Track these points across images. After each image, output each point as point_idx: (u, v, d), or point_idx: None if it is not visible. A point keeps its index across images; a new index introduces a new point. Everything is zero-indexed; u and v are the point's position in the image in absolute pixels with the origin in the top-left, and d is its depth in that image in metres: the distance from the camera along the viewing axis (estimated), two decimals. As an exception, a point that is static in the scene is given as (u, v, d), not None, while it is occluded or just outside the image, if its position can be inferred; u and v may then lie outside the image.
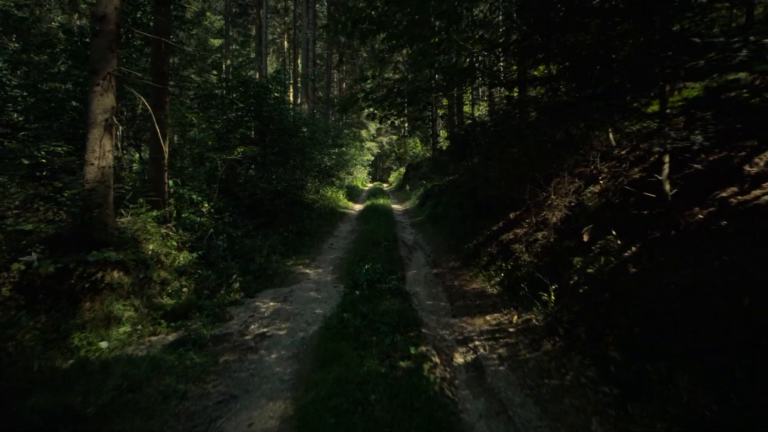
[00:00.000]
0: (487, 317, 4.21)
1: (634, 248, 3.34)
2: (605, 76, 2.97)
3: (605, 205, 4.24)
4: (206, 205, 6.85)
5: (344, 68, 33.24)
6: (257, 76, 20.94)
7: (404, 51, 22.86)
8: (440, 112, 22.94)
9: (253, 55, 27.15)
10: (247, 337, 4.05)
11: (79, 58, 6.85)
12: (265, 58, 22.88)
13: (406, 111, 9.15)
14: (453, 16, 4.74)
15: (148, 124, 6.85)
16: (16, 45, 7.52)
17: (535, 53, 3.49)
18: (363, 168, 28.28)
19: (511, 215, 6.29)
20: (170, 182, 6.43)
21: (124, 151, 8.22)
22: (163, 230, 5.63)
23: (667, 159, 3.10)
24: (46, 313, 4.08)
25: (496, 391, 2.94)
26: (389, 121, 6.60)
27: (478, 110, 18.04)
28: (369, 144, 32.58)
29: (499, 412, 2.74)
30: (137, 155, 8.05)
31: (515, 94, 7.63)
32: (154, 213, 5.65)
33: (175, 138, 10.05)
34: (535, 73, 5.03)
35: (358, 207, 15.87)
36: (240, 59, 25.43)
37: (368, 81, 6.48)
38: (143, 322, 4.44)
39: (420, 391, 2.76)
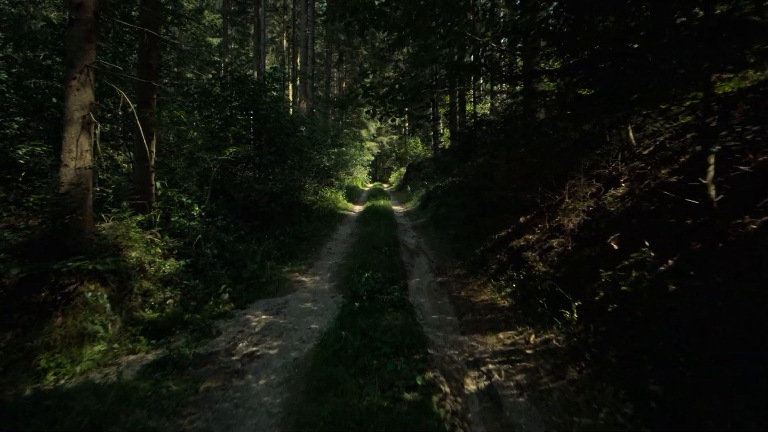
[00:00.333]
0: (500, 335, 3.81)
1: (671, 261, 2.93)
2: (652, 65, 2.55)
3: (631, 210, 3.83)
4: (197, 208, 6.44)
5: (344, 67, 32.86)
6: (255, 75, 20.52)
7: (405, 50, 22.49)
8: (441, 111, 22.56)
9: (251, 54, 26.74)
10: (233, 358, 3.64)
11: (62, 52, 6.46)
12: (264, 57, 22.48)
13: (407, 109, 8.75)
14: (462, 2, 4.34)
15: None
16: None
17: (563, 39, 3.06)
18: (363, 168, 27.86)
19: (521, 219, 5.88)
20: (158, 184, 6.03)
21: (113, 151, 7.83)
22: (148, 236, 5.22)
23: (712, 160, 2.69)
24: (12, 330, 3.69)
25: (516, 431, 2.53)
26: (390, 119, 6.20)
27: (481, 109, 17.63)
28: (369, 144, 32.18)
29: (522, 457, 2.34)
30: (120, 156, 7.64)
31: (519, 88, 7.20)
32: (139, 218, 5.24)
33: (171, 137, 9.64)
34: (556, 64, 4.62)
35: (357, 208, 15.46)
36: (241, 57, 24.98)
37: (368, 76, 6.07)
38: (121, 338, 4.04)
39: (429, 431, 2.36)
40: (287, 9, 28.39)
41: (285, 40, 29.40)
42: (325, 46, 29.92)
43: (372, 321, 3.93)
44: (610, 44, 2.69)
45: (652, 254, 3.06)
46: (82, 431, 2.36)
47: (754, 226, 2.60)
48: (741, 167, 2.94)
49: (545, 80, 5.89)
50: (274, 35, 30.94)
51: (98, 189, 5.59)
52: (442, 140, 22.97)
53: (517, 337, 3.67)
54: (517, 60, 8.16)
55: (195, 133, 9.28)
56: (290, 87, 26.53)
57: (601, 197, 4.48)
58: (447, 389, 2.91)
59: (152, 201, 5.74)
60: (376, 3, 4.96)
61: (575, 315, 3.36)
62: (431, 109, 21.07)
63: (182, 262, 5.26)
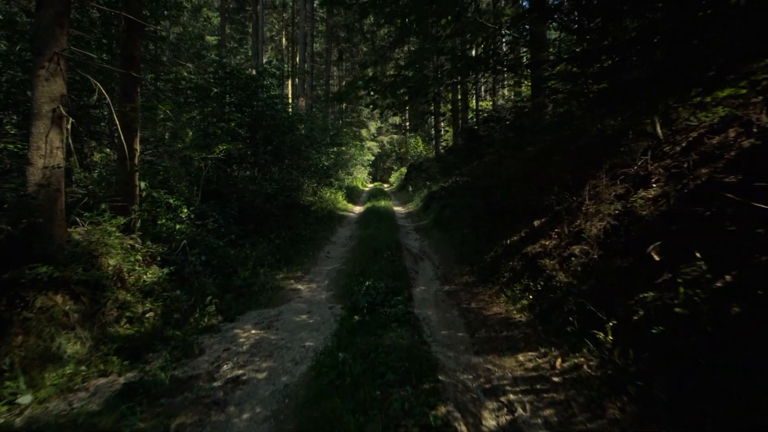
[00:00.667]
0: (520, 357, 3.35)
1: (728, 277, 2.47)
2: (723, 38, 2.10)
3: (668, 214, 3.37)
4: (185, 210, 5.98)
5: (344, 65, 32.40)
6: (253, 74, 20.07)
7: (405, 48, 22.02)
8: (443, 109, 22.09)
9: (250, 53, 26.27)
10: (215, 384, 3.18)
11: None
12: (262, 56, 22.01)
13: (408, 105, 8.29)
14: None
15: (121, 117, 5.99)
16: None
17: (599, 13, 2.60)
18: (363, 168, 27.37)
19: (536, 223, 5.42)
20: (142, 184, 5.57)
21: (97, 149, 7.38)
22: (128, 242, 4.76)
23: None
24: (-36, 352, 3.25)
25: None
26: (391, 115, 5.77)
27: (485, 105, 17.17)
28: (369, 143, 31.70)
29: None
30: (100, 155, 7.19)
31: (527, 82, 6.74)
32: (120, 221, 4.78)
33: (167, 136, 9.19)
34: (577, 49, 4.17)
35: (358, 209, 15.01)
36: (239, 57, 24.50)
37: (368, 68, 5.62)
38: (91, 359, 3.58)
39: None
40: (286, 7, 27.94)
41: (284, 39, 28.95)
42: (324, 44, 29.46)
43: (374, 339, 3.47)
44: (672, 11, 2.23)
45: (704, 267, 2.60)
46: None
47: (839, 237, 2.14)
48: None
49: (558, 69, 5.41)
50: (273, 33, 30.48)
51: (81, 190, 5.16)
52: (444, 139, 22.52)
53: (540, 360, 3.21)
54: (524, 52, 7.71)
55: (186, 130, 8.83)
56: (289, 85, 26.08)
57: (629, 199, 4.02)
58: (463, 428, 2.45)
59: (135, 203, 5.29)
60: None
61: (609, 336, 2.90)
62: (432, 105, 20.59)
63: (166, 270, 4.80)
